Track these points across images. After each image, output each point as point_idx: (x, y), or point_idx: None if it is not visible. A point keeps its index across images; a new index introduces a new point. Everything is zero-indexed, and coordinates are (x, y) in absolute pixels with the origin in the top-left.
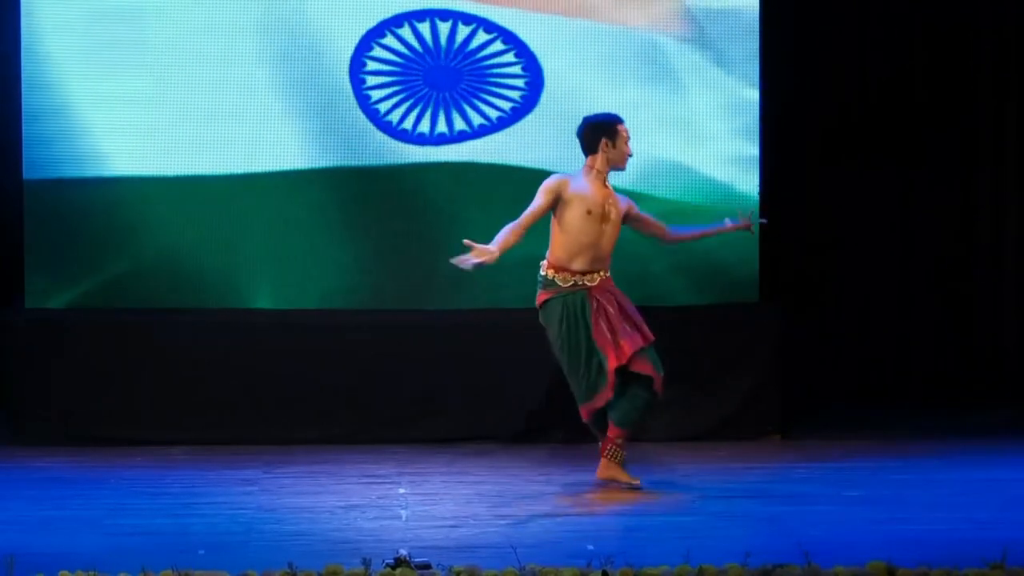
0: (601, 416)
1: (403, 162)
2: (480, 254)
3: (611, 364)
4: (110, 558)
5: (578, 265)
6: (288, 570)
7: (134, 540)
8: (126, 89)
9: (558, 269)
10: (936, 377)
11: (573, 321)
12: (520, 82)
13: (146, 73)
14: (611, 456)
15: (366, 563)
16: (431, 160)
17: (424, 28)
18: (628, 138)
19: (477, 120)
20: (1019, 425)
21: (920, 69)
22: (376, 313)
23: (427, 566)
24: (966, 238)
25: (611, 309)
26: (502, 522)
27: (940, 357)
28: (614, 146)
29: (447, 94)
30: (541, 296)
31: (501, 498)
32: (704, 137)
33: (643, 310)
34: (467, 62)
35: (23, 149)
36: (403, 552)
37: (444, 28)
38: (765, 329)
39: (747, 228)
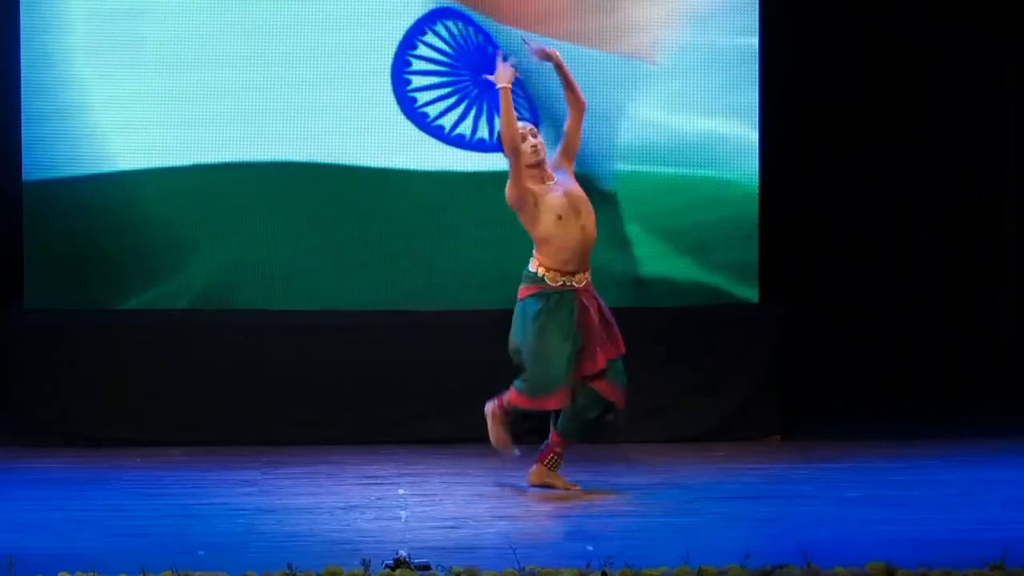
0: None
1: (409, 168)
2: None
3: (586, 368)
4: (110, 558)
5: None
6: (288, 571)
7: (134, 541)
8: (129, 88)
9: (548, 268)
10: (936, 377)
11: (558, 316)
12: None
13: (149, 72)
14: (550, 464)
15: (366, 564)
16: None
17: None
18: (524, 135)
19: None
20: (1019, 425)
21: (920, 70)
22: (376, 313)
23: (427, 567)
24: (966, 238)
25: (593, 314)
26: (502, 522)
27: (940, 357)
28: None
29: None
30: (523, 291)
31: (501, 498)
32: (703, 137)
33: (643, 311)
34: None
35: (23, 150)
36: (403, 553)
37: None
38: (765, 330)
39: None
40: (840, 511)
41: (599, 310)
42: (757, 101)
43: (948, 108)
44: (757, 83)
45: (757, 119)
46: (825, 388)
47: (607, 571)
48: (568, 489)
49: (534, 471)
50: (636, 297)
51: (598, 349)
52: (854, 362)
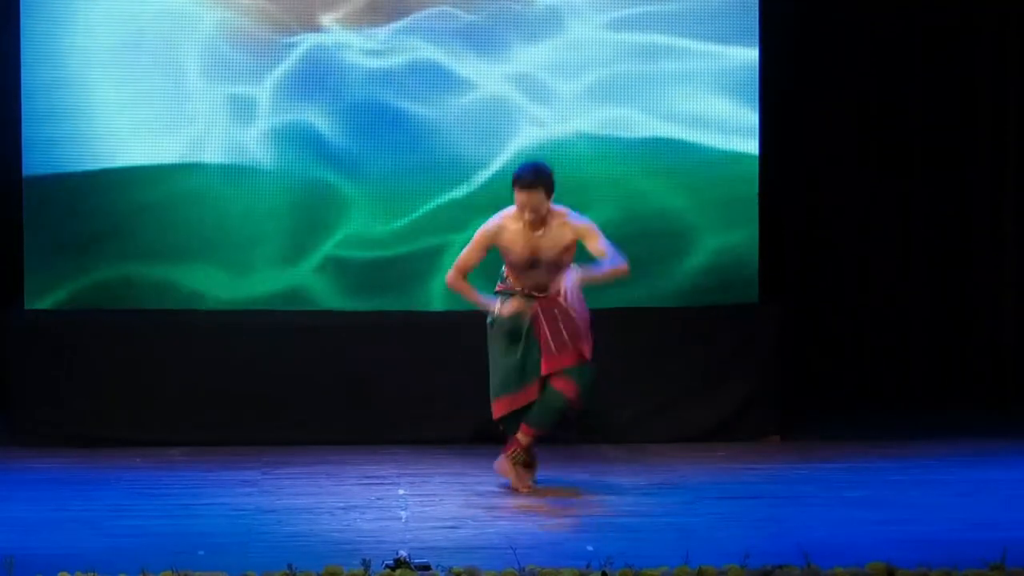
0: (516, 417)
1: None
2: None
3: (542, 369)
4: (110, 559)
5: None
6: (288, 571)
7: (134, 541)
8: (135, 87)
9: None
10: (936, 377)
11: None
12: None
13: (151, 69)
14: (513, 458)
15: (366, 564)
16: None
17: None
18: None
19: None
20: (1019, 425)
21: (920, 69)
22: (375, 314)
23: (427, 567)
24: (965, 238)
25: (549, 323)
26: (502, 522)
27: (940, 357)
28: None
29: None
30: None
31: (501, 498)
32: (704, 138)
33: (642, 311)
34: None
35: (23, 146)
36: (403, 553)
37: None
38: (765, 330)
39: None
40: (840, 511)
41: (560, 320)
42: (757, 101)
43: (948, 107)
44: (757, 82)
45: (757, 119)
46: (825, 388)
47: (607, 571)
48: (521, 488)
49: (501, 460)
50: (635, 297)
51: (557, 352)
52: (854, 362)
